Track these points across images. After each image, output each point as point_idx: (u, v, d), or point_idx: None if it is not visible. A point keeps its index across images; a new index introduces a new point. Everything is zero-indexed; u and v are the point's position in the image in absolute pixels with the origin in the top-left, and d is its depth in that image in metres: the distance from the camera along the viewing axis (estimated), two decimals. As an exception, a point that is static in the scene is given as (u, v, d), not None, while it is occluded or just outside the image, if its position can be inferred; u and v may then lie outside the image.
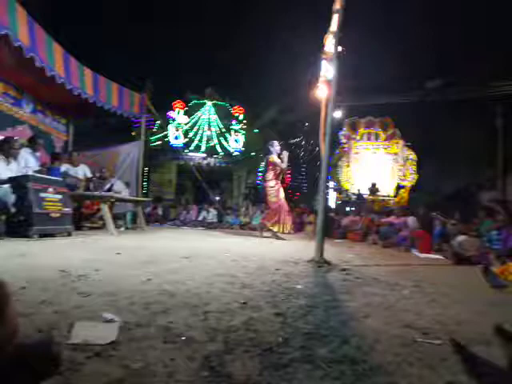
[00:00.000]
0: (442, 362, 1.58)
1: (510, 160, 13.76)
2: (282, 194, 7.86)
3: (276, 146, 7.91)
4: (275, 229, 7.67)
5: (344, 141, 16.56)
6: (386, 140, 16.19)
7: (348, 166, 16.32)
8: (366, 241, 8.79)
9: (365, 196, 14.42)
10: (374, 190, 14.76)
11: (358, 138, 16.51)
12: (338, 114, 15.41)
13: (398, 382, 1.39)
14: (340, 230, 9.68)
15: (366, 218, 9.42)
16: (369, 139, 16.47)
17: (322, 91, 5.25)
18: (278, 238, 7.57)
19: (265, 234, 7.99)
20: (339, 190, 16.06)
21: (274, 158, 7.80)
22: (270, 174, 7.79)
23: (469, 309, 2.56)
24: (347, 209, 13.27)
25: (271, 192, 7.76)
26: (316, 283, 3.19)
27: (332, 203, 15.40)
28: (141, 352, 1.50)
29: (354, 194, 15.00)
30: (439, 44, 13.97)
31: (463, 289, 3.38)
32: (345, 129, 16.52)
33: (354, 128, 16.58)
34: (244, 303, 2.35)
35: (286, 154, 7.85)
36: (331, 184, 15.57)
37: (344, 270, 3.96)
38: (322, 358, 1.56)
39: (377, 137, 16.35)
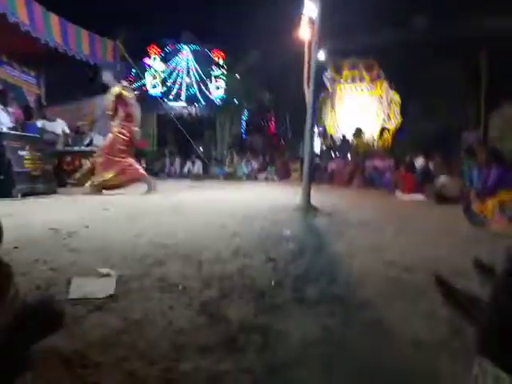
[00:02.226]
0: (422, 295, 1.71)
1: (491, 100, 13.79)
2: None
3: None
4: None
5: (328, 83, 16.22)
6: (370, 81, 15.91)
7: (333, 109, 16.13)
8: (351, 185, 8.94)
9: (350, 140, 14.44)
10: (358, 133, 14.76)
11: (342, 80, 16.15)
12: (321, 56, 14.95)
13: (383, 316, 1.51)
14: (326, 176, 9.80)
15: (353, 163, 9.51)
16: (353, 81, 16.14)
17: (304, 32, 5.04)
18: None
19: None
20: (324, 135, 16.02)
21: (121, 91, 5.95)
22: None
23: (450, 246, 2.71)
24: (332, 154, 13.34)
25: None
26: (303, 229, 3.29)
27: (317, 149, 15.40)
28: (139, 303, 1.57)
29: (338, 138, 15.00)
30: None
31: (445, 228, 3.54)
32: (329, 70, 16.11)
33: (337, 70, 16.17)
34: (236, 251, 2.43)
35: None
36: (316, 129, 15.46)
37: (330, 214, 4.06)
38: (313, 298, 1.65)
39: (361, 78, 16.03)
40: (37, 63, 8.53)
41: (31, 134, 5.98)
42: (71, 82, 9.63)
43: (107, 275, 1.86)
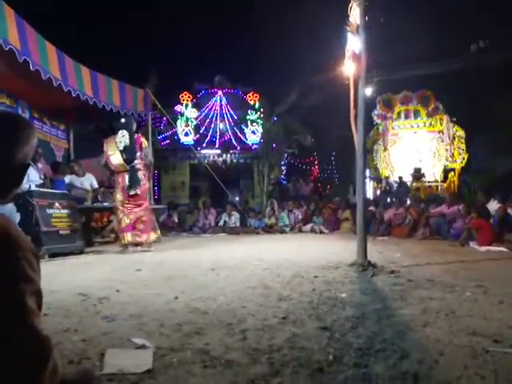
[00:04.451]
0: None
1: None
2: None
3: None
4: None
5: (378, 121, 16.31)
6: (427, 116, 15.85)
7: (386, 149, 16.05)
8: (414, 236, 8.67)
9: (408, 183, 14.18)
10: (418, 175, 14.47)
11: (394, 116, 16.21)
12: (368, 92, 15.20)
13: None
14: (383, 226, 9.57)
15: (414, 210, 9.25)
16: (407, 117, 16.15)
17: (348, 68, 5.22)
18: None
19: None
20: (377, 178, 15.85)
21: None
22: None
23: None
24: (388, 200, 13.09)
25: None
26: (362, 290, 3.20)
27: (369, 194, 15.20)
28: (180, 379, 1.57)
29: (394, 181, 14.78)
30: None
31: (535, 285, 3.31)
32: (378, 108, 16.27)
33: (388, 106, 16.29)
34: (284, 318, 2.40)
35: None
36: (367, 172, 15.37)
37: (393, 272, 3.95)
38: (381, 376, 1.58)
39: (416, 114, 16.02)
40: (66, 117, 9.30)
41: (59, 191, 6.40)
42: (100, 134, 10.38)
43: (143, 346, 1.89)
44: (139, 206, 6.47)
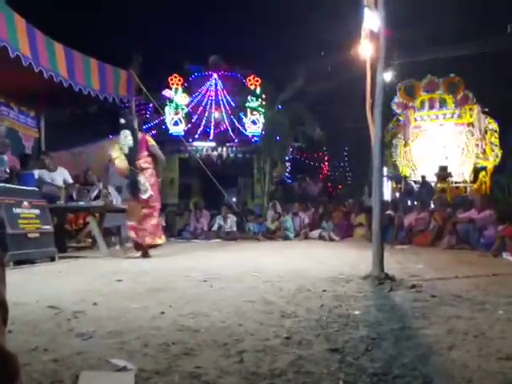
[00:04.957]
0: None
1: None
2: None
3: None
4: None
5: (398, 111, 16.33)
6: (455, 106, 15.88)
7: (406, 144, 16.09)
8: (438, 245, 8.69)
9: (432, 184, 14.22)
10: (443, 175, 14.51)
11: (417, 106, 16.24)
12: (387, 77, 15.20)
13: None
14: (402, 233, 9.59)
15: (439, 214, 9.29)
16: (432, 107, 16.18)
17: (365, 49, 5.22)
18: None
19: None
20: (397, 178, 15.88)
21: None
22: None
23: None
24: (408, 203, 13.13)
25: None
26: (378, 307, 3.21)
27: (387, 196, 15.23)
28: (166, 407, 1.58)
29: (416, 182, 14.82)
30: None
31: None
32: (398, 95, 16.30)
33: (410, 93, 16.32)
34: (287, 338, 2.40)
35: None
36: (385, 171, 15.41)
37: (413, 286, 3.97)
38: (400, 406, 1.59)
39: (442, 103, 16.04)
40: (36, 102, 9.29)
41: (28, 188, 6.39)
42: (76, 121, 10.39)
43: (124, 369, 1.89)
44: (148, 207, 6.73)
